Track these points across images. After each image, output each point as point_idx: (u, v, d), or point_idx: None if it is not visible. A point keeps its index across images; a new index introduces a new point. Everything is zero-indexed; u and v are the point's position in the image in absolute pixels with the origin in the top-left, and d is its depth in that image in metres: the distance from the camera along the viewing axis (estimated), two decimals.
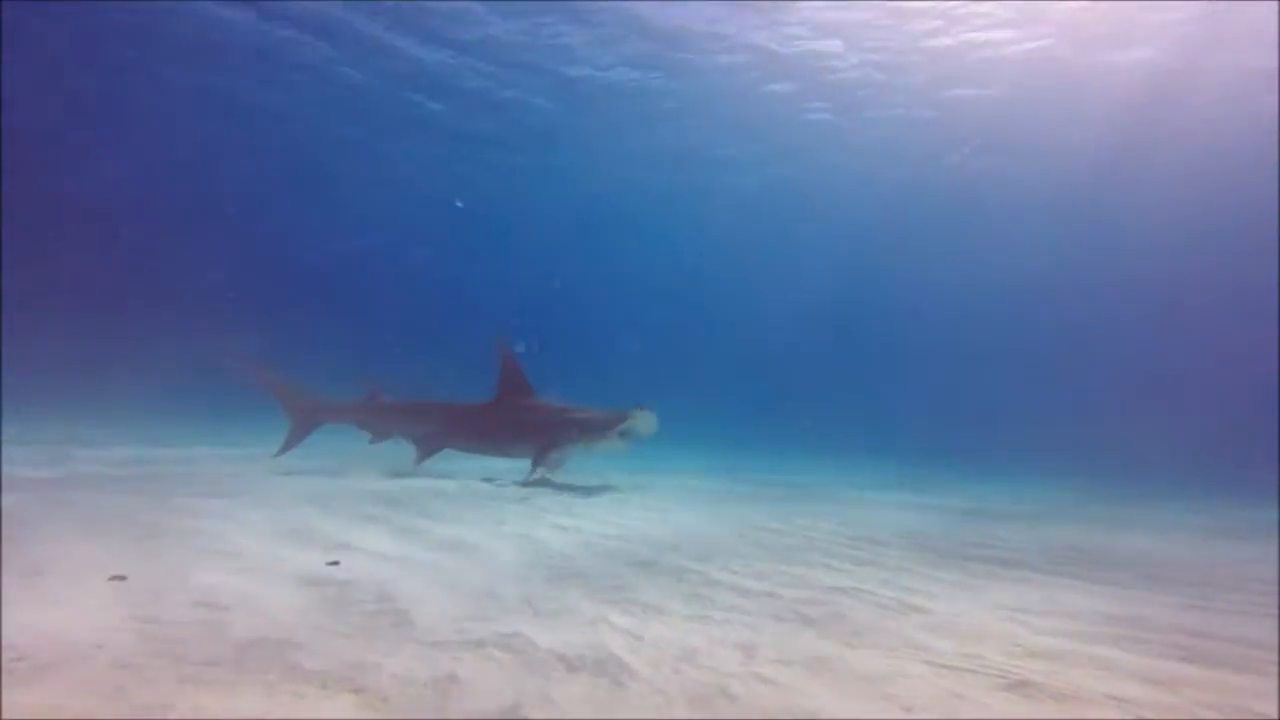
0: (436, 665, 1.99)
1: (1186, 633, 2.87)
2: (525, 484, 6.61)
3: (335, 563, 3.10)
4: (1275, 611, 3.35)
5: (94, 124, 20.70)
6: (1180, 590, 3.79)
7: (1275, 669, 2.41)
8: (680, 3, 13.01)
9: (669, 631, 2.46)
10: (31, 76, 16.84)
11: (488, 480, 6.71)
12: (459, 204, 26.46)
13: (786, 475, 10.51)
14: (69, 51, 15.80)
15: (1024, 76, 14.59)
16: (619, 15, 13.46)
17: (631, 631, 2.43)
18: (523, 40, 14.64)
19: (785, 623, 2.66)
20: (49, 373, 16.02)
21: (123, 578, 2.63)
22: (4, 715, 1.58)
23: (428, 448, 7.04)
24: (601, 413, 6.74)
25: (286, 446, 7.12)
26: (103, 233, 29.24)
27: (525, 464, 7.06)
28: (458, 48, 15.17)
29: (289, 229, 32.87)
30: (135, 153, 23.10)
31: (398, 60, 15.80)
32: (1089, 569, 4.24)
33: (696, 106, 17.32)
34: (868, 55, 14.50)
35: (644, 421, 6.49)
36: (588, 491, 6.55)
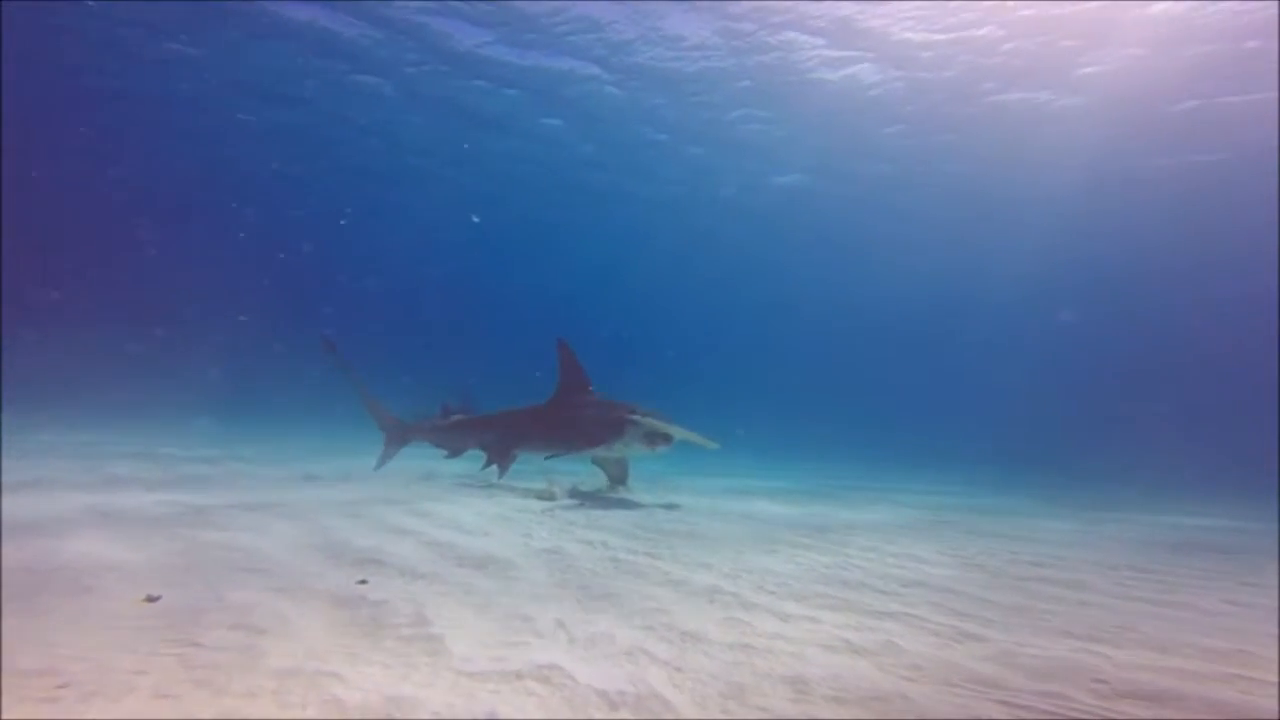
0: (476, 700, 1.93)
1: None
2: (606, 494, 6.81)
3: (364, 581, 3.05)
4: None
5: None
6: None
7: None
8: None
9: (710, 663, 2.37)
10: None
11: (513, 490, 6.67)
12: (475, 219, 26.72)
13: (820, 482, 10.34)
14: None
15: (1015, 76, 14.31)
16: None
17: (671, 663, 2.35)
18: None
19: (834, 653, 2.56)
20: (56, 382, 16.38)
21: (157, 598, 2.61)
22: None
23: (499, 456, 7.12)
24: (660, 417, 6.48)
25: (382, 462, 7.70)
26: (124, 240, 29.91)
27: (559, 468, 7.09)
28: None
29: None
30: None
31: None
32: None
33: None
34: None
35: (706, 441, 6.22)
36: (614, 504, 6.47)
